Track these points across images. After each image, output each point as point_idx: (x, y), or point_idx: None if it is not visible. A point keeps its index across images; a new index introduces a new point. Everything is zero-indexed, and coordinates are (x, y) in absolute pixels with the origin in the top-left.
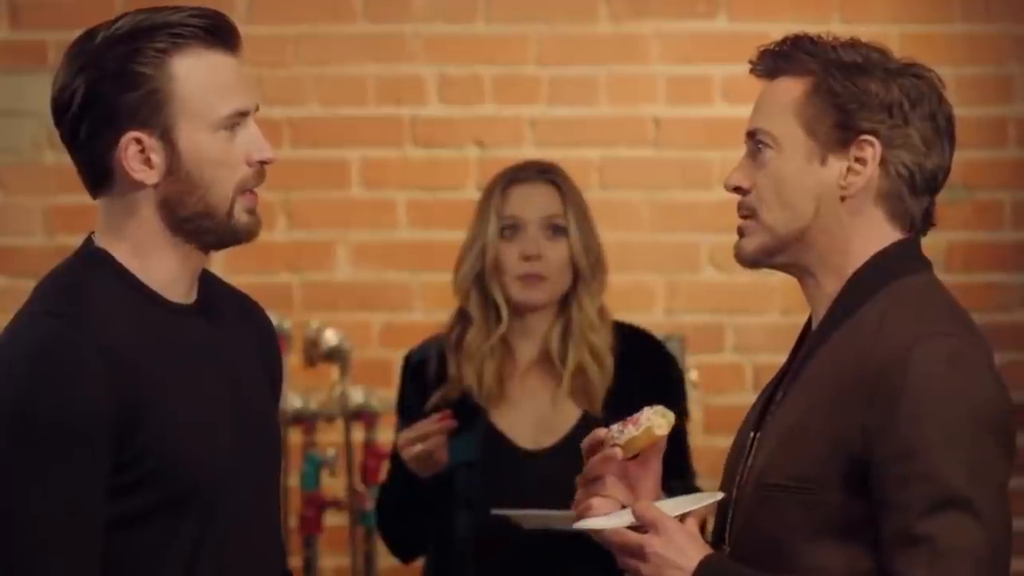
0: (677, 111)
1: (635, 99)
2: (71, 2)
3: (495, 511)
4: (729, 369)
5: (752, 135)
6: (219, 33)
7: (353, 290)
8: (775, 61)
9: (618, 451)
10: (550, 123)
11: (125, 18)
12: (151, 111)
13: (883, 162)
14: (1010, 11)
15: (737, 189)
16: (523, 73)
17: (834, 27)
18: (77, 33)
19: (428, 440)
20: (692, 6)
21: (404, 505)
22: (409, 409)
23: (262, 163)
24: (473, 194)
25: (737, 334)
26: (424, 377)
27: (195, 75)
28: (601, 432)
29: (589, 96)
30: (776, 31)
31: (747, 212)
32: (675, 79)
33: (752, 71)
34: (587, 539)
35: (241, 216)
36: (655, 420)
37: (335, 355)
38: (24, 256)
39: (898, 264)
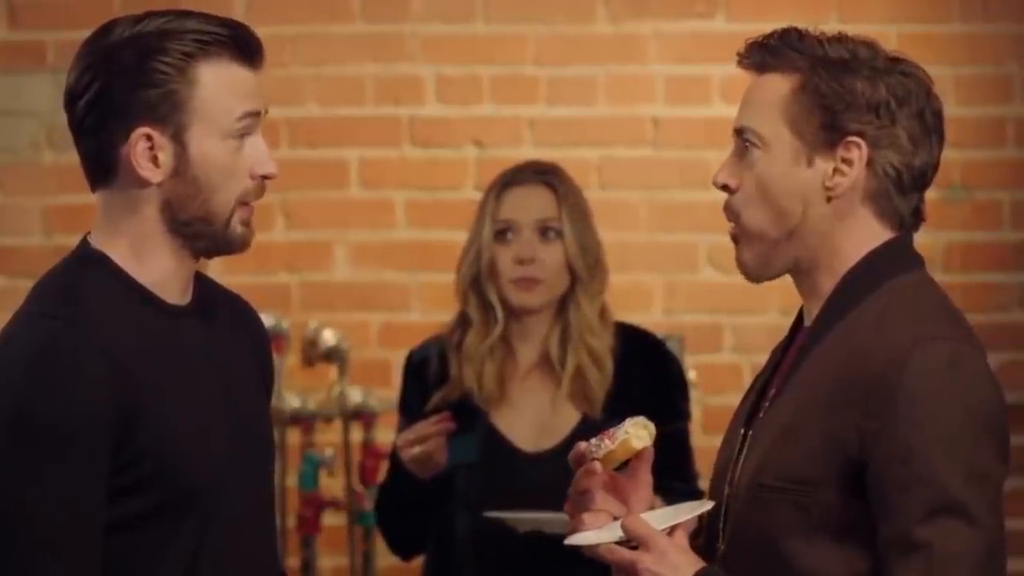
0: (676, 111)
1: (634, 99)
2: (70, 2)
3: (488, 514)
4: (728, 369)
5: (740, 133)
6: (245, 47)
7: (351, 290)
8: (763, 55)
9: (597, 465)
10: (549, 123)
11: (149, 18)
12: (168, 110)
13: (870, 163)
14: (1008, 11)
15: (724, 187)
16: (521, 73)
17: (832, 27)
18: (76, 33)
19: (427, 442)
20: (690, 6)
21: (403, 504)
22: (410, 408)
23: (264, 177)
24: (471, 194)
25: (736, 334)
26: (425, 376)
27: (216, 83)
28: (583, 446)
29: (588, 96)
30: None
31: (733, 216)
32: (674, 79)
33: (740, 64)
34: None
35: (237, 227)
36: (634, 432)
37: (333, 355)
38: (22, 256)
39: (890, 263)
